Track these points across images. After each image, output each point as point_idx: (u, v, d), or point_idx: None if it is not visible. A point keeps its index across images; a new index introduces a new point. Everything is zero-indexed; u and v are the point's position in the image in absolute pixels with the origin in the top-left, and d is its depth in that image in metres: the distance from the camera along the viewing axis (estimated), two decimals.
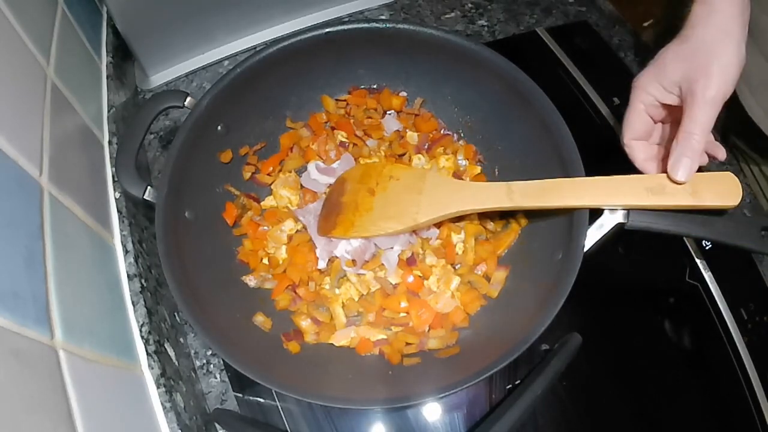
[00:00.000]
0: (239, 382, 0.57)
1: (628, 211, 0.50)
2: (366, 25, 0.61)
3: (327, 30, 0.60)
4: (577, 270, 0.47)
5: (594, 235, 0.50)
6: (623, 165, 0.73)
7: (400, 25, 0.60)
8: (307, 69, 0.63)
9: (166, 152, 0.58)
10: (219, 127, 0.59)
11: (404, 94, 0.68)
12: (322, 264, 0.60)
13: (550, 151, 0.55)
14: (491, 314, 0.57)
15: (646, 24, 0.89)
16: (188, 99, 0.56)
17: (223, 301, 0.54)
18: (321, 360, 0.55)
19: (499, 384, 0.57)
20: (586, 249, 0.49)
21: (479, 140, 0.66)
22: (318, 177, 0.65)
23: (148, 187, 0.52)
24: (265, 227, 0.61)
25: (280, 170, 0.66)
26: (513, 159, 0.62)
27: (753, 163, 0.80)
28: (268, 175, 0.65)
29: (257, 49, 0.60)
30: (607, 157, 0.72)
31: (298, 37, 0.59)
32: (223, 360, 0.58)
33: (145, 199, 0.52)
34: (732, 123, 0.79)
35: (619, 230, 0.50)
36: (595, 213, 0.50)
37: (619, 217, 0.50)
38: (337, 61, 0.64)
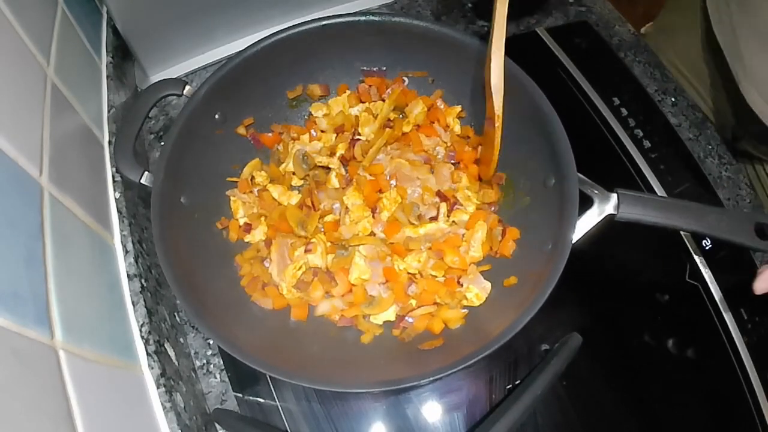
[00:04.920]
0: (239, 382, 0.57)
1: (619, 202, 0.50)
2: (363, 18, 0.61)
3: (324, 23, 0.60)
4: (565, 259, 0.48)
5: (583, 225, 0.50)
6: (623, 165, 0.74)
7: (396, 18, 0.61)
8: (304, 60, 0.64)
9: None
10: (216, 116, 0.60)
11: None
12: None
13: (542, 141, 0.56)
14: (482, 306, 0.57)
15: (643, 30, 0.89)
16: (187, 88, 0.57)
17: (218, 285, 0.54)
18: (318, 338, 0.56)
19: (499, 384, 0.57)
20: (575, 240, 0.49)
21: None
22: None
23: (145, 172, 0.53)
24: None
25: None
26: (505, 150, 0.62)
27: (758, 163, 0.80)
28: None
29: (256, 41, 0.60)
30: (606, 157, 0.72)
31: (296, 29, 0.60)
32: (223, 358, 0.59)
33: (141, 184, 0.53)
34: (741, 129, 0.79)
35: (609, 222, 0.51)
36: (585, 204, 0.50)
37: (609, 209, 0.50)
38: (334, 52, 0.64)
